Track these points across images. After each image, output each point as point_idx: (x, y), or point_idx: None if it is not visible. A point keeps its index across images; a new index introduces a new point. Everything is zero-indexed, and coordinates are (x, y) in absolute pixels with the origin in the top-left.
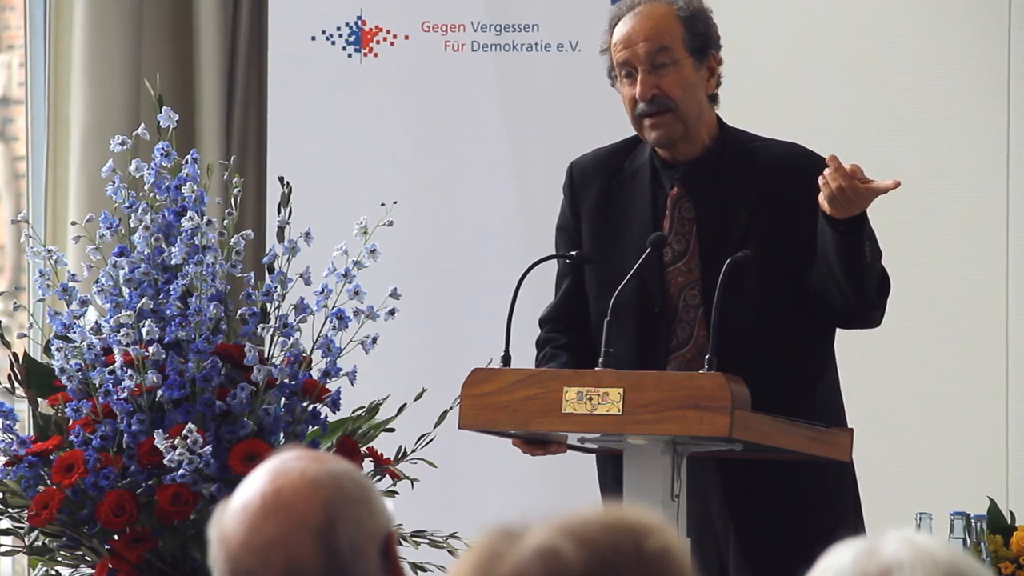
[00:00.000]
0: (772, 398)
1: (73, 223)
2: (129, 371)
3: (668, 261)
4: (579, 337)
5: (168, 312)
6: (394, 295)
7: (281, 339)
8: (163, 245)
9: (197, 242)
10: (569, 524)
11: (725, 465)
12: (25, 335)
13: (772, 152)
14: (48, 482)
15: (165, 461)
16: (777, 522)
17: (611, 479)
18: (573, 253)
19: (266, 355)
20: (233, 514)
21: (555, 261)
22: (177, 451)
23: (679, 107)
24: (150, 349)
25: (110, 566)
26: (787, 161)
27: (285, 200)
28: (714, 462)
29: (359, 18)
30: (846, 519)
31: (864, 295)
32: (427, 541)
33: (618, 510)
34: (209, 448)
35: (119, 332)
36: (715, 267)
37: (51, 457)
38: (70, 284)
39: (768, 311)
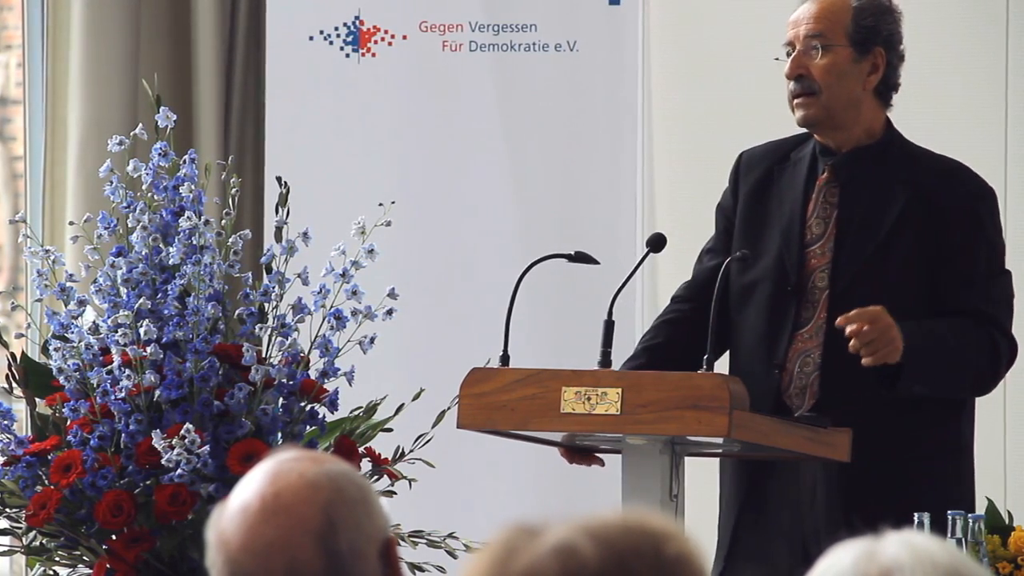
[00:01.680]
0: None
1: (71, 223)
2: (127, 371)
3: (808, 241)
4: (693, 308)
5: (166, 312)
6: (392, 295)
7: (279, 339)
8: (161, 245)
9: (195, 242)
10: (589, 524)
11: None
12: (23, 335)
13: (936, 162)
14: (46, 482)
15: (163, 461)
16: (886, 510)
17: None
18: (573, 252)
19: (264, 355)
20: (232, 516)
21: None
22: (175, 451)
23: (824, 92)
24: (148, 349)
25: (108, 566)
26: (949, 174)
27: (283, 200)
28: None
29: (357, 18)
30: (963, 505)
31: (957, 393)
32: (425, 541)
33: (640, 514)
34: (207, 448)
35: (117, 332)
36: (849, 255)
37: (49, 457)
38: (68, 284)
39: (903, 311)
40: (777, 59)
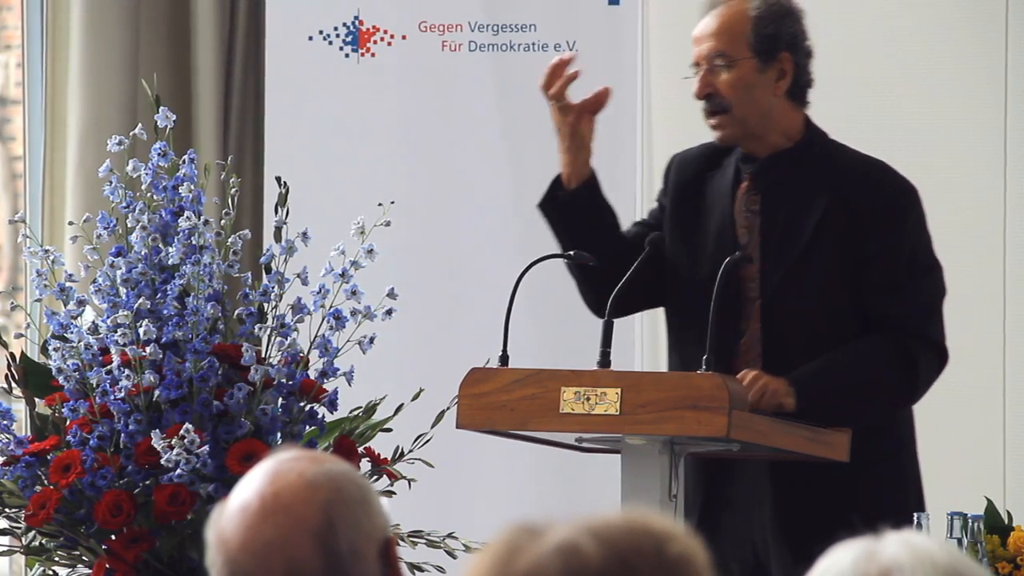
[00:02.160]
0: None
1: (70, 223)
2: (126, 371)
3: (738, 248)
4: (627, 242)
5: (165, 312)
6: (391, 295)
7: (278, 339)
8: (160, 245)
9: (194, 242)
10: (591, 524)
11: (777, 466)
12: (22, 335)
13: (856, 162)
14: (45, 482)
15: (162, 461)
16: (828, 519)
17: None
18: (571, 253)
19: (263, 355)
20: (231, 516)
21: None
22: (174, 451)
23: (735, 107)
24: (147, 349)
25: (107, 566)
26: (868, 174)
27: (282, 200)
28: (766, 466)
29: (356, 18)
30: (908, 507)
31: (872, 417)
32: (424, 541)
33: (642, 515)
34: (206, 448)
35: (116, 332)
36: (773, 263)
37: (48, 457)
38: (67, 284)
39: (829, 315)
40: (686, 78)
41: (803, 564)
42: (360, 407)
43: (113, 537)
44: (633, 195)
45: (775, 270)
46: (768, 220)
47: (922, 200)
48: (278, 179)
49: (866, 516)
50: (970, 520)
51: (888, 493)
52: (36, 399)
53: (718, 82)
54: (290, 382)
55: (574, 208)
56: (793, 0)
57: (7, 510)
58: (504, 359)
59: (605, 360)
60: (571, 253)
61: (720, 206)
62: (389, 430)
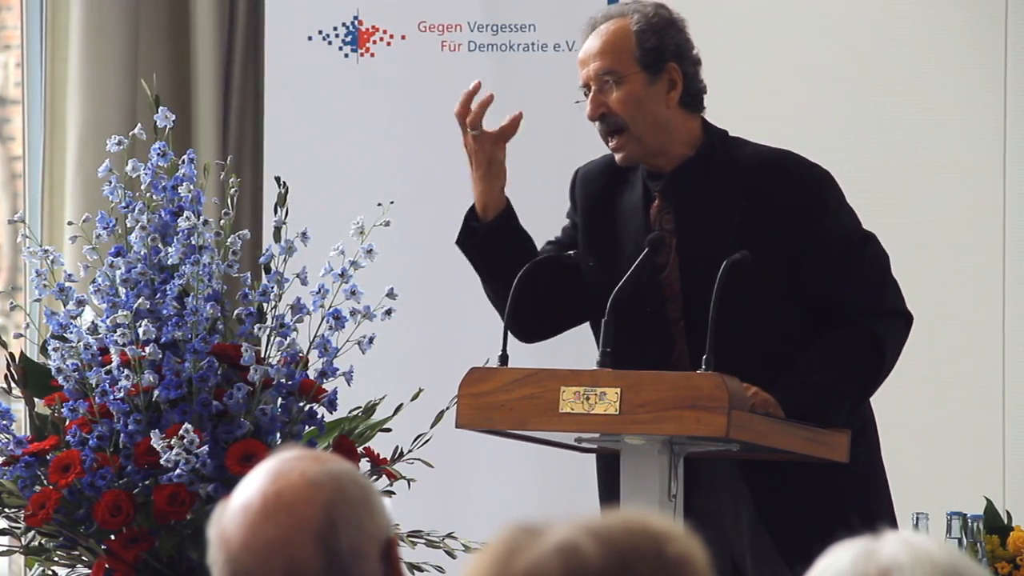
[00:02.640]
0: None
1: (70, 223)
2: (126, 371)
3: (660, 268)
4: (545, 266)
5: (165, 312)
6: (391, 295)
7: (278, 339)
8: (160, 245)
9: (194, 242)
10: (591, 524)
11: (750, 466)
12: (22, 335)
13: (762, 159)
14: (45, 482)
15: (162, 461)
16: (809, 522)
17: (602, 484)
18: (570, 253)
19: (263, 355)
20: (233, 515)
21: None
22: (174, 451)
23: (630, 125)
24: (147, 349)
25: (106, 566)
26: (778, 168)
27: (282, 200)
28: (738, 465)
29: (356, 18)
30: (880, 515)
31: (852, 406)
32: (424, 541)
33: (642, 515)
34: (206, 448)
35: (116, 332)
36: (697, 279)
37: (48, 457)
38: (67, 284)
39: (766, 322)
40: (578, 102)
41: (783, 568)
42: (359, 407)
43: (112, 537)
44: None
45: (701, 290)
46: (683, 239)
47: (835, 179)
48: (277, 179)
49: (844, 518)
50: (970, 520)
51: (865, 494)
52: (35, 399)
53: (610, 101)
54: (289, 382)
55: (493, 240)
56: (673, 11)
57: (7, 510)
58: (503, 359)
59: (605, 360)
60: (570, 253)
61: (632, 225)
62: (388, 430)
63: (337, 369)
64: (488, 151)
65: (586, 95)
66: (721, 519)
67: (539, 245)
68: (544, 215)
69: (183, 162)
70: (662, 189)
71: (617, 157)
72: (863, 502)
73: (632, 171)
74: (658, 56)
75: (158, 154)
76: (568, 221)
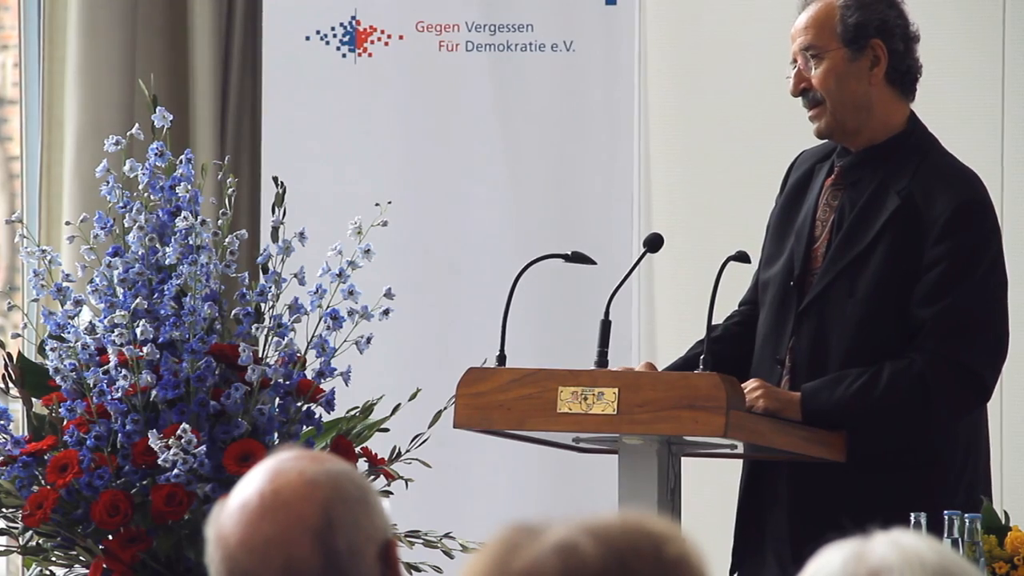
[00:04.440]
0: None
1: (67, 223)
2: (123, 371)
3: (812, 240)
4: (743, 317)
5: (162, 312)
6: (388, 295)
7: (275, 339)
8: (157, 245)
9: (191, 242)
10: (590, 523)
11: (794, 470)
12: (19, 335)
13: (939, 167)
14: (42, 482)
15: (159, 461)
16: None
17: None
18: (569, 252)
19: (260, 355)
20: (231, 513)
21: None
22: (171, 451)
23: (828, 100)
24: (144, 349)
25: (104, 566)
26: (944, 181)
27: (279, 200)
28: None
29: (353, 18)
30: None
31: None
32: (421, 541)
33: (641, 516)
34: (203, 448)
35: (113, 332)
36: (831, 261)
37: (45, 457)
38: (64, 284)
39: (874, 320)
40: (788, 78)
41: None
42: (357, 407)
43: (110, 537)
44: (630, 195)
45: (829, 269)
46: (840, 217)
47: (995, 217)
48: (275, 179)
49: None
50: (967, 520)
51: (909, 501)
52: (33, 399)
53: (810, 77)
54: (287, 382)
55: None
56: None
57: (4, 510)
58: (501, 359)
59: (602, 360)
60: (569, 253)
61: (811, 199)
62: (386, 430)
63: (335, 369)
64: None
65: (793, 70)
66: (770, 511)
67: (530, 242)
68: (544, 215)
69: (181, 162)
70: (843, 166)
71: (814, 128)
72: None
73: (837, 151)
74: (860, 32)
75: (156, 154)
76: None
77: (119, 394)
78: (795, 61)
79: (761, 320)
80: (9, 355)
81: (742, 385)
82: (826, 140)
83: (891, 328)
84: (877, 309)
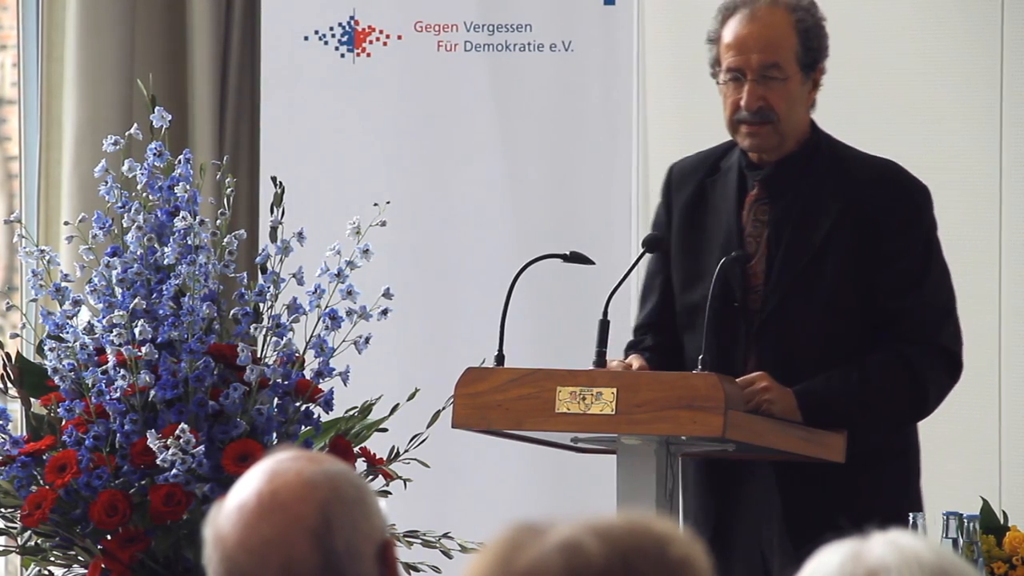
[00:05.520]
0: None
1: (66, 223)
2: (122, 371)
3: (747, 259)
4: (669, 337)
5: (161, 312)
6: (387, 295)
7: (274, 339)
8: (156, 245)
9: (190, 242)
10: (594, 523)
11: (783, 470)
12: (18, 335)
13: (867, 165)
14: (41, 482)
15: (158, 461)
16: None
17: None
18: (568, 252)
19: (259, 355)
20: (229, 514)
21: (645, 264)
22: (170, 451)
23: (781, 120)
24: (143, 349)
25: (103, 566)
26: (880, 176)
27: (278, 200)
28: (772, 470)
29: (352, 18)
30: (912, 506)
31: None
32: (420, 541)
33: (645, 517)
34: (202, 448)
35: (112, 332)
36: (779, 275)
37: (44, 457)
38: (63, 284)
39: (839, 324)
40: (725, 83)
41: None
42: (356, 407)
43: (109, 537)
44: (629, 195)
45: (780, 283)
46: (775, 231)
47: (932, 198)
48: (274, 179)
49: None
50: (966, 520)
51: (895, 492)
52: (32, 399)
53: (770, 95)
54: (286, 382)
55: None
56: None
57: (3, 510)
58: (500, 359)
59: (601, 360)
60: (567, 253)
61: (725, 216)
62: (385, 430)
63: (333, 369)
64: None
65: (736, 79)
66: (757, 518)
67: (528, 242)
68: (542, 215)
69: (179, 162)
70: (763, 179)
71: (749, 142)
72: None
73: (722, 159)
74: (816, 58)
75: (154, 154)
76: (656, 217)
77: (118, 394)
78: (741, 72)
79: (691, 345)
80: (8, 355)
81: (747, 377)
82: (704, 152)
83: (856, 326)
84: (840, 311)
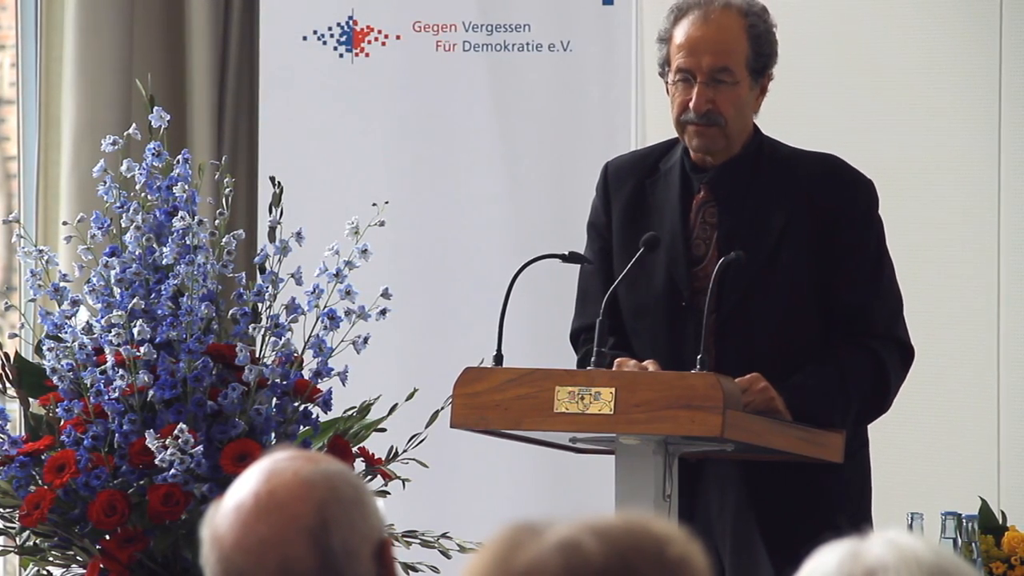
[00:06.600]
0: None
1: (64, 223)
2: (120, 371)
3: (693, 261)
4: (622, 338)
5: (159, 312)
6: (385, 295)
7: (272, 339)
8: (154, 245)
9: (188, 242)
10: (592, 522)
11: (749, 466)
12: (16, 335)
13: (810, 163)
14: (39, 482)
15: (156, 461)
16: (799, 523)
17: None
18: (566, 252)
19: (257, 355)
20: (226, 514)
21: (583, 264)
22: (168, 451)
23: (728, 124)
24: (141, 349)
25: (101, 566)
26: (829, 170)
27: (276, 200)
28: (735, 465)
29: (350, 18)
30: (865, 516)
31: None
32: (418, 541)
33: (643, 517)
34: (200, 448)
35: (110, 332)
36: (733, 277)
37: (42, 457)
38: (61, 284)
39: (797, 322)
40: (674, 83)
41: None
42: (354, 407)
43: (107, 537)
44: None
45: (734, 285)
46: (725, 233)
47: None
48: (272, 179)
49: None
50: (964, 520)
51: (852, 491)
52: (30, 399)
53: (719, 98)
54: (284, 382)
55: None
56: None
57: (1, 510)
58: (499, 358)
59: (600, 360)
60: (566, 253)
61: (669, 217)
62: (383, 430)
63: (332, 369)
64: None
65: (685, 80)
66: (706, 507)
67: (527, 242)
68: (541, 215)
69: (178, 162)
70: (710, 182)
71: (697, 143)
72: (851, 498)
73: (661, 160)
74: (766, 64)
75: (153, 154)
76: (593, 215)
77: (116, 394)
78: (690, 73)
79: (648, 346)
80: (6, 355)
81: (746, 378)
82: (641, 151)
83: (814, 322)
84: (798, 308)
